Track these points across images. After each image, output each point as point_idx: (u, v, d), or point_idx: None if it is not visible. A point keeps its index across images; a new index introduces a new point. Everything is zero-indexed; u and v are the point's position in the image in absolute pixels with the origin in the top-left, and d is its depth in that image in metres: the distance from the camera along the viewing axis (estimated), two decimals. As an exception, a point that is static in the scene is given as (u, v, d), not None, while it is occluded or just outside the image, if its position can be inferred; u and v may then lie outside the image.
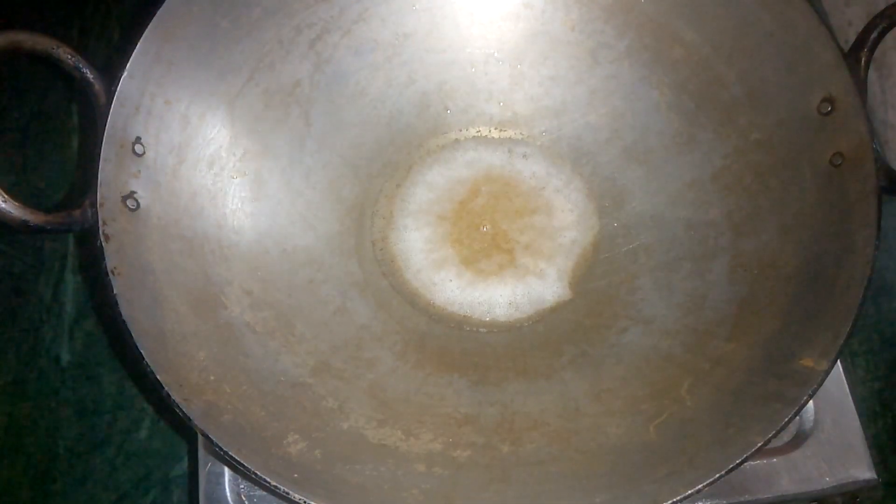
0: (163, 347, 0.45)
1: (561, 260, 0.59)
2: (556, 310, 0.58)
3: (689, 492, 0.42)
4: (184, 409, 0.43)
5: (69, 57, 0.46)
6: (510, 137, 0.63)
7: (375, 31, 0.61)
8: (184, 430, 0.59)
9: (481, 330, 0.58)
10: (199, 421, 0.43)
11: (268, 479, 0.42)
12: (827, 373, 0.44)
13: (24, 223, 0.44)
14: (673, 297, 0.56)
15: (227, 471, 0.51)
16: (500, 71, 0.63)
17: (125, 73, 0.47)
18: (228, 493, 0.51)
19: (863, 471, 0.52)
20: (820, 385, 0.44)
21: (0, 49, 0.44)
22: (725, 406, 0.49)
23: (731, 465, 0.42)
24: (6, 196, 0.43)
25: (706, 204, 0.57)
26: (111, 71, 0.47)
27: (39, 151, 0.69)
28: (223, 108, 0.55)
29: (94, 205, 0.45)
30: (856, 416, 0.53)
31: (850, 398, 0.54)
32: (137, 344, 0.43)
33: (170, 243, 0.50)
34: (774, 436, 0.43)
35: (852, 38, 0.51)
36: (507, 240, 0.60)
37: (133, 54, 0.48)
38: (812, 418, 0.53)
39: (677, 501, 0.42)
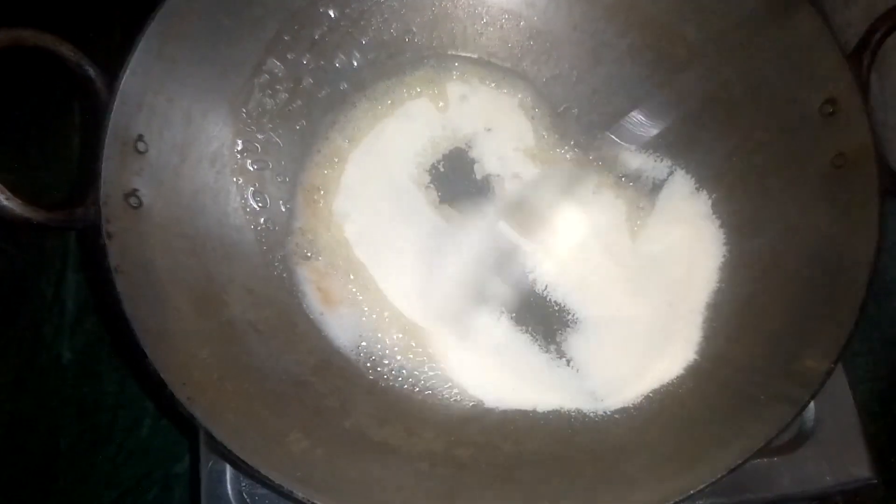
0: (165, 346, 0.45)
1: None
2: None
3: (691, 491, 0.42)
4: (187, 408, 0.43)
5: (72, 54, 0.46)
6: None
7: (377, 30, 0.60)
8: (185, 428, 0.59)
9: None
10: (202, 419, 0.43)
11: (271, 478, 0.42)
12: (829, 373, 0.44)
13: (27, 221, 0.44)
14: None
15: (228, 469, 0.51)
16: (501, 70, 0.63)
17: (127, 71, 0.47)
18: (230, 491, 0.51)
19: (863, 470, 0.52)
20: (822, 385, 0.44)
21: (2, 46, 0.44)
22: (727, 406, 0.49)
23: (732, 466, 0.42)
24: (8, 194, 0.43)
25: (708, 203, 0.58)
26: (113, 68, 0.47)
27: (41, 149, 0.69)
28: (225, 105, 0.55)
29: (96, 202, 0.45)
30: (856, 416, 0.53)
31: (850, 398, 0.54)
32: (140, 342, 0.43)
33: (172, 241, 0.50)
34: (776, 436, 0.43)
35: (852, 39, 0.51)
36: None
37: (135, 52, 0.48)
38: (812, 418, 0.53)
39: (678, 501, 0.42)
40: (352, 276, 0.56)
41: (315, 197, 0.58)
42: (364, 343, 0.54)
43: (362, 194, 0.58)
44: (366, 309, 0.55)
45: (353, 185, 0.59)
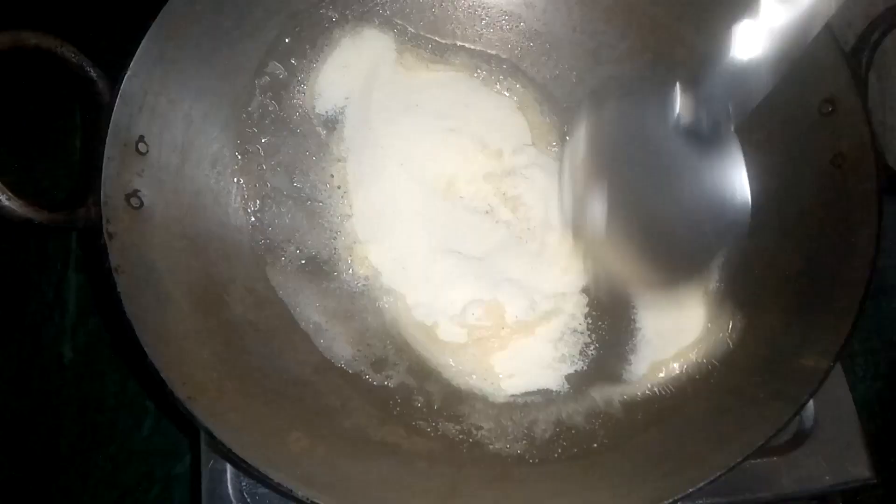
0: (166, 345, 0.45)
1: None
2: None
3: (690, 490, 0.42)
4: (187, 407, 0.43)
5: (73, 55, 0.46)
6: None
7: (378, 30, 0.61)
8: (186, 427, 0.59)
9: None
10: (202, 419, 0.43)
11: (271, 476, 0.42)
12: (828, 372, 0.44)
13: (28, 221, 0.44)
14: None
15: (229, 468, 0.51)
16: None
17: (129, 72, 0.48)
18: (231, 491, 0.51)
19: (862, 470, 0.52)
20: (821, 385, 0.44)
21: (5, 47, 0.44)
22: (726, 405, 0.49)
23: (731, 464, 0.43)
24: (10, 194, 0.43)
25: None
26: (115, 70, 0.47)
27: (43, 150, 0.69)
28: (226, 107, 0.55)
29: (97, 203, 0.45)
30: (855, 416, 0.54)
31: (849, 397, 0.54)
32: (141, 342, 0.43)
33: (173, 242, 0.50)
34: (775, 435, 0.43)
35: (851, 39, 0.51)
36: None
37: (136, 53, 0.48)
38: (812, 417, 0.53)
39: (678, 499, 0.42)
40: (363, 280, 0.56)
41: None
42: (364, 345, 0.54)
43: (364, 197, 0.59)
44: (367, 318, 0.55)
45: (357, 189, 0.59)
